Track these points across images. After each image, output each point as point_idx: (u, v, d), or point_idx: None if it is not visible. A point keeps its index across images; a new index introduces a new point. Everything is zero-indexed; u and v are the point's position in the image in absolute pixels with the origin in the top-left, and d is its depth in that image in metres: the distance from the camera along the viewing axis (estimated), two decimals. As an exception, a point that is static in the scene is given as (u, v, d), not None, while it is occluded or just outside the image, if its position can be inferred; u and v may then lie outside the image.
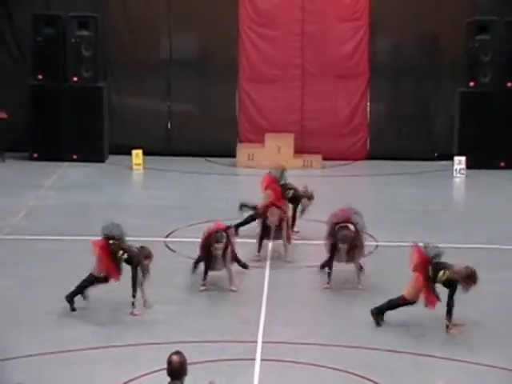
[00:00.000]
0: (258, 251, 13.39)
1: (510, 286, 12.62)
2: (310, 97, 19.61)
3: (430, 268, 11.09)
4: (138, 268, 11.28)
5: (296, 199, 14.25)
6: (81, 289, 11.46)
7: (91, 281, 11.42)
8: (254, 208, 14.00)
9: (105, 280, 11.45)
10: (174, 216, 15.39)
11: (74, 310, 11.40)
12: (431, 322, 11.36)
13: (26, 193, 16.68)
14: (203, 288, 12.24)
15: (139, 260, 11.29)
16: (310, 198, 14.22)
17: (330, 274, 12.29)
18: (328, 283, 12.33)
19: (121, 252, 11.32)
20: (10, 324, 11.11)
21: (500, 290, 12.46)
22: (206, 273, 12.20)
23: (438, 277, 11.04)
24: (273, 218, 13.26)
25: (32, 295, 12.06)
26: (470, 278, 10.99)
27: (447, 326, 11.04)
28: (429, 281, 11.04)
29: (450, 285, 11.02)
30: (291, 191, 14.22)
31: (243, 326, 11.19)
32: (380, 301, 11.47)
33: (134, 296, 11.34)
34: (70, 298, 11.42)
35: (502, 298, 12.20)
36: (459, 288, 10.99)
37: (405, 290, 11.15)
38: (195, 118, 19.77)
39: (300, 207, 14.27)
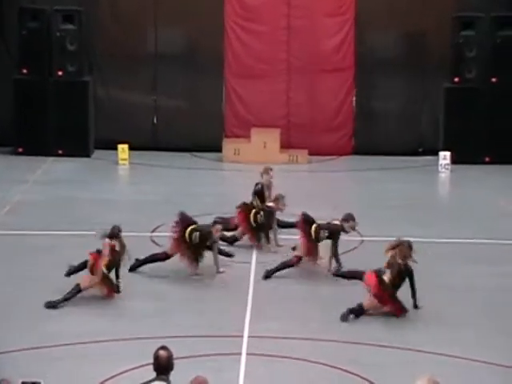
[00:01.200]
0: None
1: (496, 280, 12.66)
2: (296, 91, 19.62)
3: (378, 278, 11.23)
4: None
5: (260, 193, 14.12)
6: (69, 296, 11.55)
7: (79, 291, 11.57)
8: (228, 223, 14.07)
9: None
10: (160, 211, 15.35)
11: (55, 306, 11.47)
12: (421, 317, 11.39)
13: (10, 188, 16.61)
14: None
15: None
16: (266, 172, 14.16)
17: None
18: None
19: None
20: (-5, 319, 11.09)
21: (486, 284, 12.50)
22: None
23: (386, 280, 11.22)
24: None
25: (17, 290, 12.01)
26: (408, 250, 11.17)
27: (416, 306, 11.27)
28: (387, 290, 11.19)
29: (402, 273, 11.20)
30: (255, 200, 14.12)
31: (229, 320, 11.19)
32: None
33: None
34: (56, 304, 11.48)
35: (489, 293, 12.23)
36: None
37: (366, 301, 11.26)
38: (181, 113, 19.75)
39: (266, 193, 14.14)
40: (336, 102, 19.66)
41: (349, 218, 12.49)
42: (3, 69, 19.20)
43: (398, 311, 11.27)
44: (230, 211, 14.25)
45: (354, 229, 12.61)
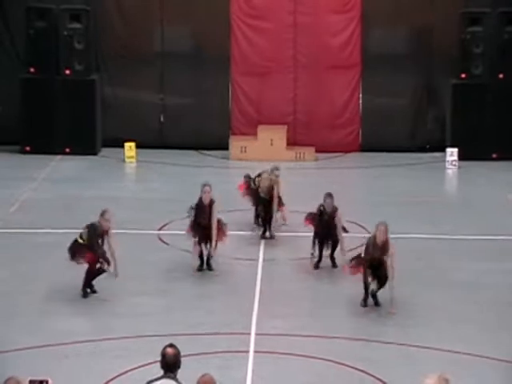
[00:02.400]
0: (255, 222, 13.95)
1: (503, 277, 12.65)
2: (302, 89, 19.61)
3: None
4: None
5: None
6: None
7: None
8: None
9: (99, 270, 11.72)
10: (167, 209, 15.38)
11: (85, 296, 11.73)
12: (427, 313, 11.40)
13: (18, 186, 16.66)
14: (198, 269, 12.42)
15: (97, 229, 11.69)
16: (274, 169, 14.16)
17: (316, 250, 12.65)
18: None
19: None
20: (4, 317, 11.12)
21: (492, 281, 12.50)
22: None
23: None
24: (263, 183, 13.70)
25: (25, 288, 12.06)
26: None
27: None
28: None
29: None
30: (257, 178, 14.24)
31: (236, 318, 11.20)
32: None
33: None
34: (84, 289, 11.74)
35: (496, 289, 12.23)
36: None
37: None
38: (188, 111, 19.76)
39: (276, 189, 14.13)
40: (343, 98, 19.64)
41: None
42: (11, 68, 19.23)
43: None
44: (237, 208, 14.28)
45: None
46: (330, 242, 12.72)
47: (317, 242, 12.69)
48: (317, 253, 12.71)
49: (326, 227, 12.63)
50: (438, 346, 10.41)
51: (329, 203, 12.65)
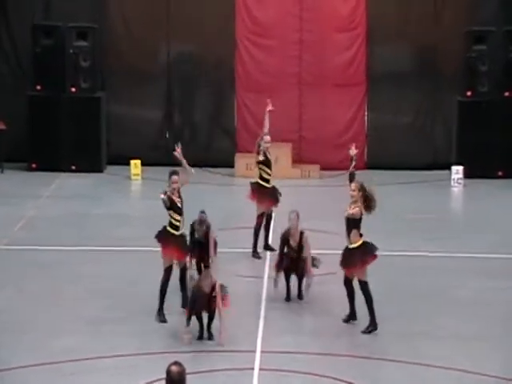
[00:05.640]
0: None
1: (509, 294, 12.61)
2: (307, 106, 19.66)
3: None
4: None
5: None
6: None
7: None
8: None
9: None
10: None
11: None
12: (432, 331, 11.37)
13: (24, 203, 16.69)
14: (188, 337, 11.17)
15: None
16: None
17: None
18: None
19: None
20: (8, 334, 11.11)
21: (502, 299, 12.46)
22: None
23: None
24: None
25: (30, 306, 12.05)
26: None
27: None
28: None
29: None
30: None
31: (242, 335, 11.18)
32: (379, 310, 11.46)
33: None
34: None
35: (504, 307, 12.19)
36: None
37: None
38: (193, 128, 19.82)
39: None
40: (348, 116, 19.69)
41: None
42: (17, 85, 19.32)
43: None
44: (241, 225, 14.26)
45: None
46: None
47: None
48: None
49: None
50: (446, 365, 10.35)
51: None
